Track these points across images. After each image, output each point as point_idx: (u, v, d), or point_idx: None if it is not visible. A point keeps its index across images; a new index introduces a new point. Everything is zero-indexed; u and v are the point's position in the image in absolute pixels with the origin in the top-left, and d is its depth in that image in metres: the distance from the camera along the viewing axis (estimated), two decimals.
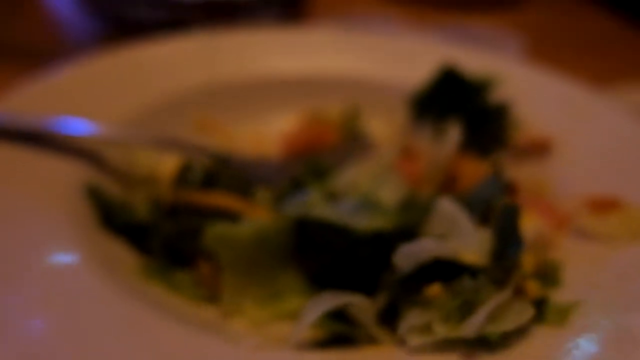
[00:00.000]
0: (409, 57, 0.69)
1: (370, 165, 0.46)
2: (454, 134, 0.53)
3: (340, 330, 0.36)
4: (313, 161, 0.50)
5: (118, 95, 0.57)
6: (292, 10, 0.92)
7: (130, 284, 0.37)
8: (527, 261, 0.34)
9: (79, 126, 0.47)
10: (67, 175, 0.44)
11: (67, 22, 1.14)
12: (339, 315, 0.37)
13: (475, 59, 0.64)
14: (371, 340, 0.33)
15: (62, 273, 0.34)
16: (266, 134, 0.64)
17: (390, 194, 0.44)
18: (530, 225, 0.38)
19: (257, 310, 0.39)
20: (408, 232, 0.37)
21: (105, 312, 0.32)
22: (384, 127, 0.65)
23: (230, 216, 0.44)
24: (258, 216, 0.44)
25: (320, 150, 0.59)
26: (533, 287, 0.32)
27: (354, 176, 0.46)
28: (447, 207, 0.37)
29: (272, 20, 0.92)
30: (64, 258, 0.36)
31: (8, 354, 0.28)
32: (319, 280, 0.41)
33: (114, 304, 0.33)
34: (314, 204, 0.43)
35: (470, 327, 0.29)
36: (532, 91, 0.59)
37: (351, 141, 0.61)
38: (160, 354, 0.29)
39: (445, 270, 0.33)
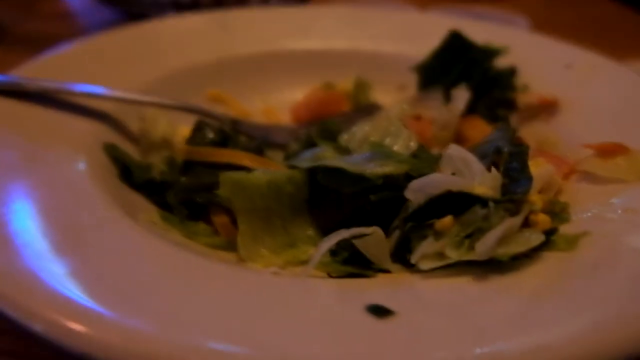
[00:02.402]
0: (417, 30, 0.70)
1: (380, 121, 0.47)
2: (461, 96, 0.54)
3: (355, 271, 0.37)
4: (324, 124, 0.51)
5: (133, 68, 0.59)
6: None
7: (152, 228, 0.39)
8: (537, 198, 0.35)
9: (99, 89, 0.49)
10: (90, 134, 0.46)
11: (81, 12, 1.17)
12: (352, 259, 0.38)
13: (482, 30, 0.65)
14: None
15: (88, 216, 0.36)
16: (277, 105, 0.65)
17: (402, 146, 0.44)
18: (539, 169, 0.39)
19: (271, 256, 0.40)
20: (420, 176, 0.38)
21: (132, 247, 0.33)
22: (393, 98, 0.67)
23: (243, 169, 0.45)
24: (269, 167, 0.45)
25: (330, 117, 0.61)
26: (543, 220, 0.33)
27: (365, 132, 0.47)
28: (457, 151, 0.38)
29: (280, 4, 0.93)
30: (89, 202, 0.37)
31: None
32: (333, 230, 0.42)
33: (139, 240, 0.34)
34: (326, 156, 0.44)
35: (482, 248, 0.30)
36: (538, 56, 0.60)
37: (361, 109, 0.62)
38: (188, 280, 0.30)
39: (457, 204, 0.34)
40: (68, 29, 1.05)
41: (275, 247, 0.41)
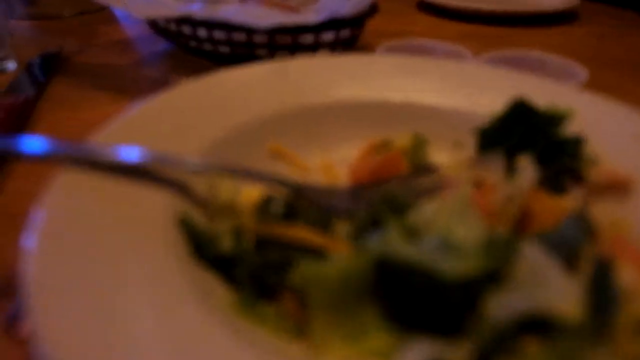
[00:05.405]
0: (476, 85, 0.69)
1: (448, 201, 0.47)
2: (529, 169, 0.53)
3: None
4: (387, 193, 0.51)
5: (192, 127, 0.60)
6: (355, 32, 0.93)
7: (222, 316, 0.40)
8: (625, 316, 0.34)
9: (163, 157, 0.50)
10: (160, 204, 0.47)
11: (138, 42, 1.21)
12: None
13: (545, 90, 0.64)
14: None
15: (163, 304, 0.37)
16: (335, 161, 0.66)
17: (469, 231, 0.44)
18: (622, 276, 0.38)
19: (344, 346, 0.41)
20: (494, 277, 0.38)
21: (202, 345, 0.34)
22: (450, 156, 0.66)
23: (313, 250, 0.46)
24: (340, 252, 0.46)
25: (388, 179, 0.61)
26: (635, 350, 0.32)
27: (433, 213, 0.46)
28: (535, 254, 0.38)
29: (330, 46, 0.93)
30: (164, 289, 0.38)
31: None
32: (402, 319, 0.42)
33: (210, 337, 0.35)
34: (394, 240, 0.44)
35: None
36: (608, 125, 0.58)
37: (419, 171, 0.62)
38: None
39: (540, 321, 0.33)
40: (126, 58, 1.09)
41: (347, 336, 0.41)
